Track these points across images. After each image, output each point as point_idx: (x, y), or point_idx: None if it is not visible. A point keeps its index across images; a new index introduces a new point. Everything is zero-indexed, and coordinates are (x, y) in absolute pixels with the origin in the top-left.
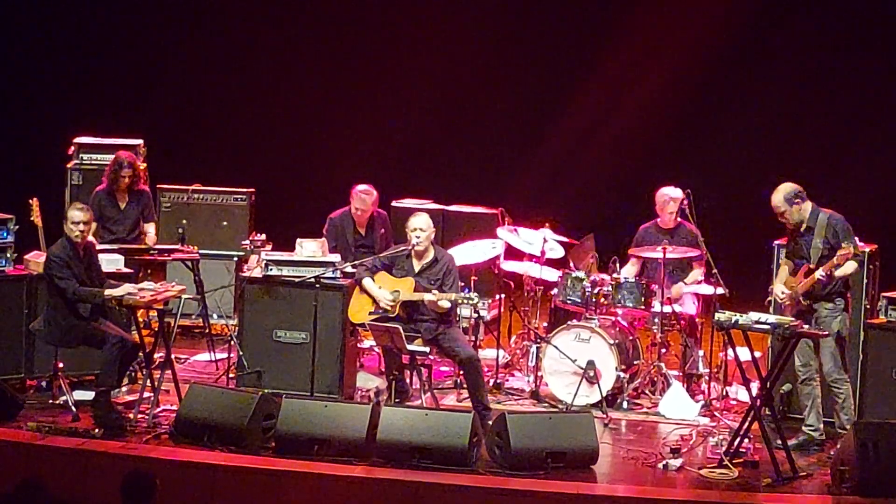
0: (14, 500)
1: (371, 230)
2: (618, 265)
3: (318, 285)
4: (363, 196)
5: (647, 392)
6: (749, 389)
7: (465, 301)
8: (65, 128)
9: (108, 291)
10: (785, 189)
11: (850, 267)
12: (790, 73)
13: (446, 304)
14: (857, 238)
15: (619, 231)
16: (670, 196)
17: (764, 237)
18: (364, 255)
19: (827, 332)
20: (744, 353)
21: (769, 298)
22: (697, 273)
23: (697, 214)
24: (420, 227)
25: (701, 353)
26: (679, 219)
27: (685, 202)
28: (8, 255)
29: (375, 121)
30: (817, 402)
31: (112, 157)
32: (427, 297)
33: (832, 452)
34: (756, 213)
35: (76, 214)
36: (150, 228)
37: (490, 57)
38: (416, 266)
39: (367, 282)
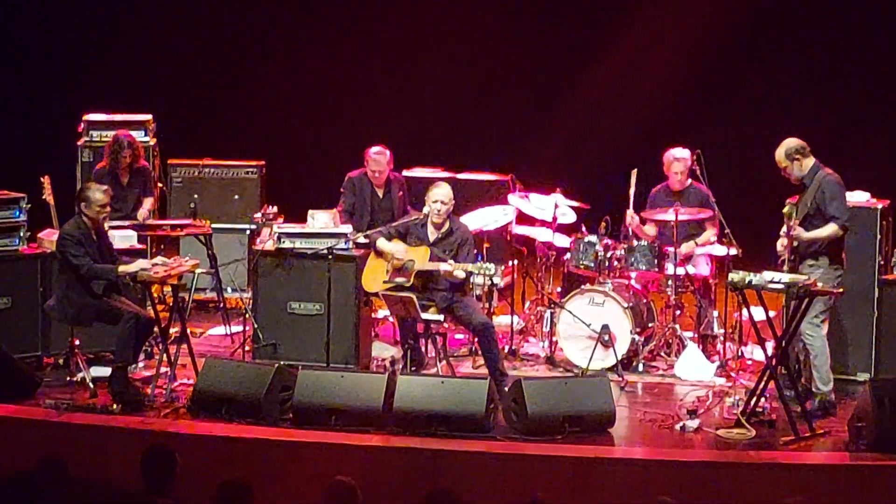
0: (36, 478)
1: (389, 192)
2: (635, 218)
3: (331, 256)
4: (377, 157)
5: (662, 354)
6: (764, 349)
7: (482, 272)
8: (74, 105)
9: (121, 268)
10: (787, 144)
11: (827, 229)
12: (805, 31)
13: (461, 274)
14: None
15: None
16: (675, 156)
17: (777, 196)
18: (383, 218)
19: (842, 290)
20: (758, 313)
21: (782, 258)
22: (710, 233)
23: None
24: (441, 198)
25: (715, 313)
26: (689, 180)
27: (694, 163)
28: (21, 233)
29: (385, 91)
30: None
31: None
32: (443, 266)
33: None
34: (769, 172)
35: (99, 196)
36: (146, 204)
37: (501, 23)
38: (432, 236)
39: (381, 241)
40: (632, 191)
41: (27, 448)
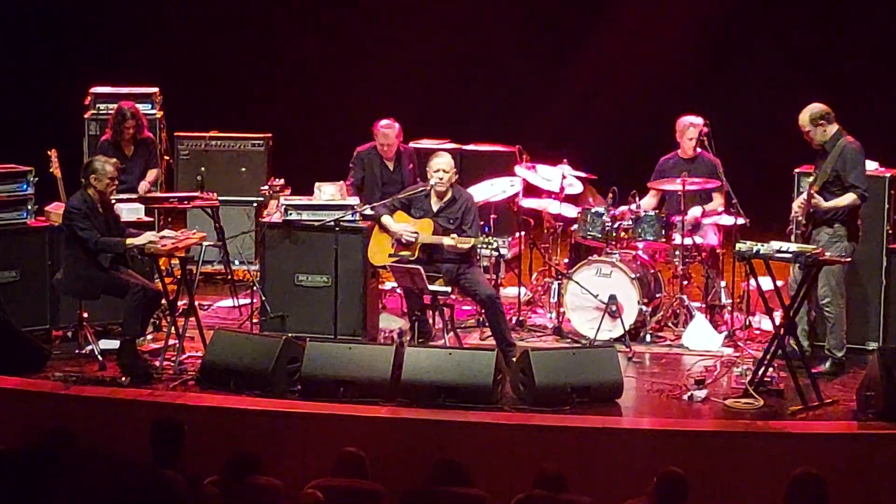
0: (44, 450)
1: (399, 165)
2: (637, 198)
3: (337, 228)
4: (385, 131)
5: (669, 324)
6: (772, 319)
7: (485, 245)
8: (81, 78)
9: (129, 240)
10: (812, 109)
11: (847, 199)
12: None
13: (466, 247)
14: (877, 166)
15: (637, 165)
16: (690, 122)
17: (785, 165)
18: (394, 192)
19: (850, 259)
20: (766, 283)
21: (790, 227)
22: (717, 202)
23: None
24: (443, 167)
25: (723, 283)
26: (699, 149)
27: (704, 132)
28: (28, 206)
29: (391, 62)
30: (837, 324)
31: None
32: (446, 240)
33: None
34: (776, 142)
35: (109, 169)
36: (150, 175)
37: None
38: (435, 206)
39: (385, 218)
40: (597, 200)
41: (36, 420)
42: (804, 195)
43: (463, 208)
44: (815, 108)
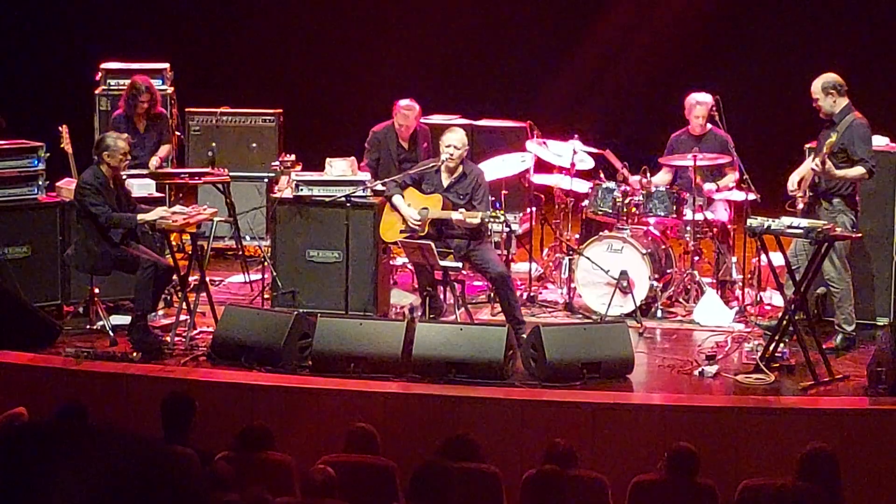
0: (57, 425)
1: (414, 144)
2: (648, 174)
3: (349, 204)
4: (406, 112)
5: (680, 300)
6: (783, 294)
7: (493, 219)
8: (92, 54)
9: (140, 216)
10: (825, 78)
11: (856, 171)
12: None
13: (475, 221)
14: (887, 141)
15: (649, 140)
16: (697, 100)
17: (796, 141)
18: (406, 169)
19: (860, 234)
20: (777, 258)
21: (792, 200)
22: (730, 178)
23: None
24: (454, 143)
25: (734, 259)
26: (709, 125)
27: (714, 108)
28: (39, 182)
29: (402, 37)
30: (845, 299)
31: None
32: (454, 215)
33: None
34: (788, 117)
35: (121, 145)
36: (162, 150)
37: None
38: (445, 181)
39: (396, 199)
40: (618, 165)
41: (47, 395)
42: (804, 166)
43: (473, 184)
44: (829, 77)
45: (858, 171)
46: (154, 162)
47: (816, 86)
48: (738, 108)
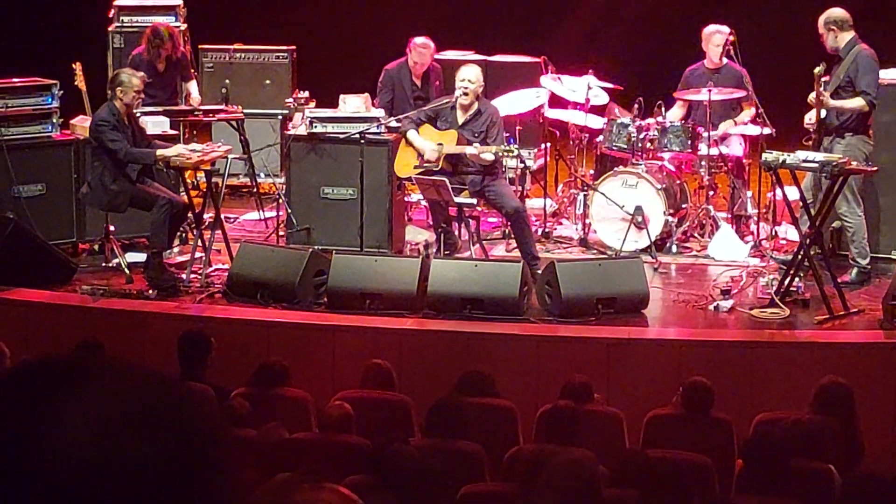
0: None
1: (427, 82)
2: (663, 109)
3: (363, 141)
4: (422, 50)
5: (695, 235)
6: (798, 228)
7: (506, 154)
8: None
9: (159, 152)
10: (827, 14)
11: (853, 102)
12: None
13: (489, 157)
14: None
15: (664, 75)
16: (716, 29)
17: (810, 75)
18: (420, 107)
19: (876, 168)
20: (792, 193)
21: (807, 135)
22: (747, 113)
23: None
24: (469, 78)
25: (749, 194)
26: (725, 59)
27: (730, 41)
28: (54, 120)
29: None
30: (858, 232)
31: (149, 26)
32: (469, 149)
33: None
34: (802, 51)
35: (136, 82)
36: (193, 88)
37: None
38: (461, 118)
39: (411, 134)
40: (635, 107)
41: (63, 333)
42: (809, 100)
43: (488, 121)
44: (832, 12)
45: (857, 102)
46: (196, 98)
47: (820, 21)
48: (754, 41)
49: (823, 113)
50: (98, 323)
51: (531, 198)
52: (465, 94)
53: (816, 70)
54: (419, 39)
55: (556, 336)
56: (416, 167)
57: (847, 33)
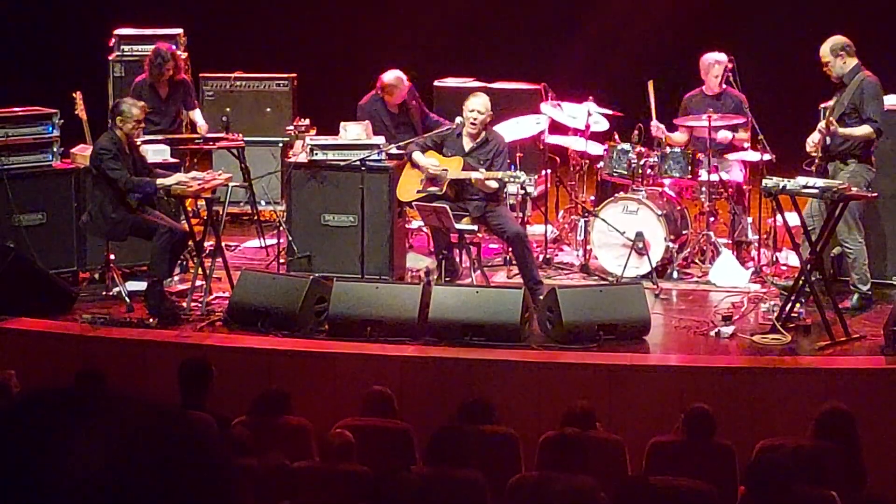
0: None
1: (404, 107)
2: (643, 131)
3: (363, 168)
4: (392, 89)
5: (696, 261)
6: (799, 254)
7: (512, 179)
8: (105, 20)
9: (159, 181)
10: (833, 40)
11: (861, 130)
12: None
13: (494, 185)
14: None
15: (663, 101)
16: (715, 59)
17: (811, 100)
18: (406, 133)
19: (877, 194)
20: (793, 219)
21: (810, 159)
22: (744, 136)
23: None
24: (478, 108)
25: (749, 219)
26: (724, 85)
27: (729, 68)
28: (54, 149)
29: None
30: (858, 258)
31: (151, 48)
32: (474, 175)
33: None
34: (802, 77)
35: (136, 112)
36: (198, 116)
37: None
38: (467, 145)
39: (416, 154)
40: (652, 101)
41: (64, 363)
42: (819, 129)
43: (495, 150)
44: (837, 39)
45: (865, 130)
46: (203, 126)
47: (825, 49)
48: (753, 68)
49: (828, 139)
50: (98, 351)
51: (532, 224)
52: (474, 124)
53: (828, 106)
54: (388, 77)
55: (558, 363)
56: (418, 191)
57: (853, 59)
